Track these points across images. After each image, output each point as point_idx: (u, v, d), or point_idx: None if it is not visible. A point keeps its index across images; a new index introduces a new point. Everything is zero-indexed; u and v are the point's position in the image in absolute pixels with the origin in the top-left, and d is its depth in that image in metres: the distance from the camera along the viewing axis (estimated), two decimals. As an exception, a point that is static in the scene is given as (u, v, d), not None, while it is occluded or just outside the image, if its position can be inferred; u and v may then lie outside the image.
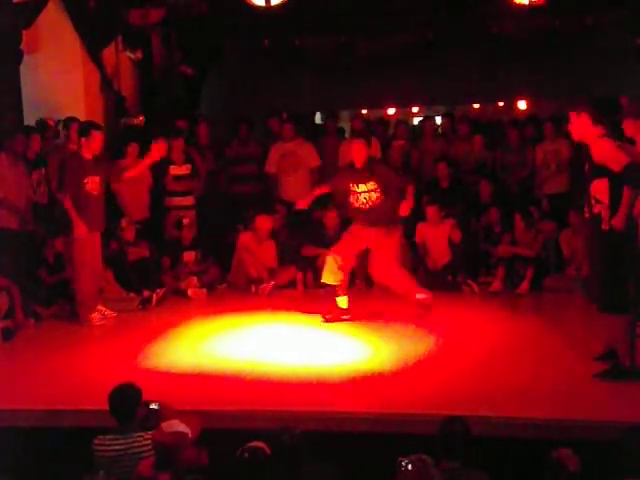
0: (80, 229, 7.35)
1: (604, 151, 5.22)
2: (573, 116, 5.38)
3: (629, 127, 5.64)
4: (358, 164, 7.21)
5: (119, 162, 8.34)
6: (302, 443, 3.98)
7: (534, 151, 9.25)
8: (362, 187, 7.17)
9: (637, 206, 5.22)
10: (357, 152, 7.21)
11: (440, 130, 11.17)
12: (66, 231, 7.50)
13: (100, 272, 7.73)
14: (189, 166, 9.11)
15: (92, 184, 7.45)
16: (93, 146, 7.44)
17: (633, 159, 5.14)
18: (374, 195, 7.15)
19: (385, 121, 11.92)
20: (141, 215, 8.89)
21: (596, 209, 5.30)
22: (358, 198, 7.20)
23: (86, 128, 7.58)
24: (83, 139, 7.47)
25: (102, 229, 7.75)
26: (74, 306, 7.55)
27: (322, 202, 8.73)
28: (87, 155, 7.45)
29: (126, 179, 7.98)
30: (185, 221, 8.79)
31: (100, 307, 7.60)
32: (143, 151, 8.94)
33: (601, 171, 5.23)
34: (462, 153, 9.62)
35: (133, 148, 8.68)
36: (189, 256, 8.74)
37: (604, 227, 5.23)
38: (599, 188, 5.26)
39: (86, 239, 7.40)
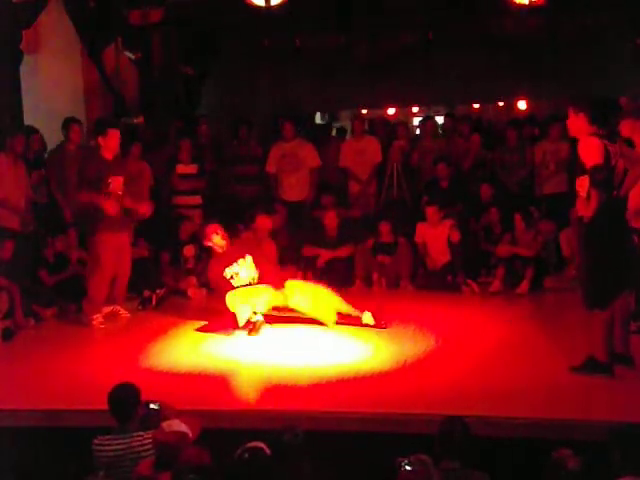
0: (110, 206, 7.09)
1: (586, 148, 5.22)
2: (571, 113, 5.38)
3: (626, 127, 5.62)
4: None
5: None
6: (302, 443, 3.98)
7: (533, 151, 9.25)
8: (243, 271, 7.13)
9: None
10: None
11: (441, 130, 11.16)
12: (91, 228, 7.28)
13: (127, 272, 7.55)
14: (196, 166, 9.12)
15: (116, 184, 7.22)
16: (111, 144, 7.19)
17: (616, 161, 5.16)
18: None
19: (387, 121, 11.92)
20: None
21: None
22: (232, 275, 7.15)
23: (102, 127, 7.30)
24: (100, 138, 7.21)
25: (130, 227, 7.68)
26: (81, 303, 7.46)
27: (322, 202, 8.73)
28: (107, 155, 7.21)
29: None
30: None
31: (117, 307, 7.53)
32: (143, 151, 8.96)
33: (584, 168, 5.24)
34: (461, 153, 9.61)
35: (135, 148, 8.67)
36: (189, 251, 8.71)
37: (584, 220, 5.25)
38: (582, 184, 5.27)
39: (109, 239, 7.23)
